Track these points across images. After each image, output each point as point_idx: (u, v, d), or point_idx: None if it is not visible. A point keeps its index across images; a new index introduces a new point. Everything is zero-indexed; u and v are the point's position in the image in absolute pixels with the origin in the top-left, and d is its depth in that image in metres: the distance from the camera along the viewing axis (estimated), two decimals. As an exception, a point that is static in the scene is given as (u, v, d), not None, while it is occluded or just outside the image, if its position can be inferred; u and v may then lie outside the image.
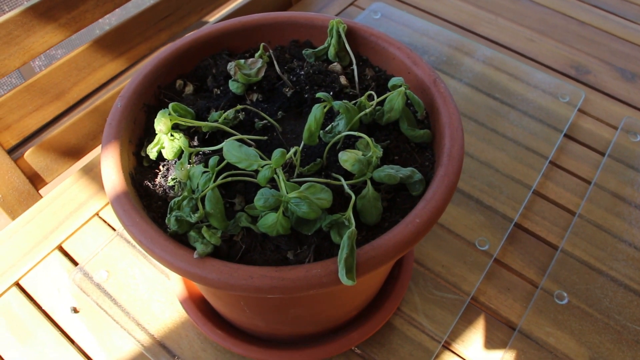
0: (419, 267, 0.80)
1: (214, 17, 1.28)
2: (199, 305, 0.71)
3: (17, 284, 0.78)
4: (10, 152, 0.89)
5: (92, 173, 0.90)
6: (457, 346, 0.74)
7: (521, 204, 0.88)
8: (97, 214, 0.86)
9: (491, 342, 0.74)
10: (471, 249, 0.82)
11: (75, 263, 0.80)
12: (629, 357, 0.73)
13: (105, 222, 0.85)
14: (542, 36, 1.17)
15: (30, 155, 0.90)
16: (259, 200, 0.47)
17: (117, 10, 0.96)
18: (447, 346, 0.74)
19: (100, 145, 0.83)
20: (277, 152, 0.47)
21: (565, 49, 1.15)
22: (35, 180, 0.92)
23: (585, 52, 1.14)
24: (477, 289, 0.78)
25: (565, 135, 0.98)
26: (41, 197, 0.91)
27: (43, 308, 0.76)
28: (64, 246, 0.82)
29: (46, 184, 0.94)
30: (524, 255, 0.82)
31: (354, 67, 0.63)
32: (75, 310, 0.76)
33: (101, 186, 0.88)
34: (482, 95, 1.03)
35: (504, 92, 1.04)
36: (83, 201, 0.87)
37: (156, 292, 0.77)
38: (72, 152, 0.96)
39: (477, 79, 1.06)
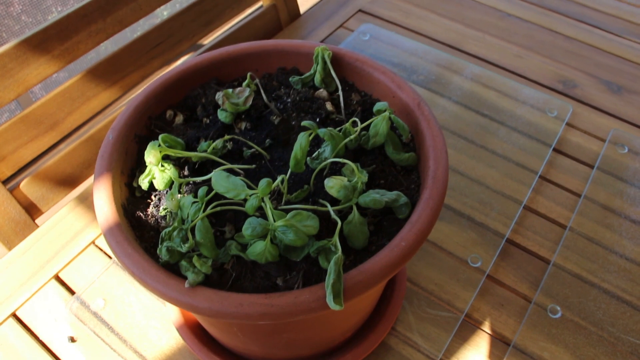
0: (412, 286, 0.81)
1: (206, 41, 1.30)
2: (194, 331, 0.72)
3: (14, 315, 0.79)
4: (6, 182, 0.90)
5: (88, 202, 0.91)
6: (452, 364, 0.74)
7: (512, 220, 0.89)
8: (93, 242, 0.86)
9: (486, 358, 0.75)
10: (464, 266, 0.83)
11: (72, 292, 0.81)
12: (622, 370, 0.74)
13: (101, 250, 0.86)
14: (529, 52, 1.19)
15: (25, 185, 0.91)
16: (247, 229, 0.48)
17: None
18: (442, 364, 0.74)
19: (94, 174, 0.84)
20: (263, 182, 0.48)
21: (552, 64, 1.16)
22: (31, 210, 0.93)
23: (572, 67, 1.16)
24: (470, 305, 0.79)
25: (554, 150, 1.00)
26: (37, 226, 0.92)
27: (40, 338, 0.77)
28: (61, 275, 0.83)
29: (42, 213, 0.95)
30: (517, 271, 0.83)
31: (340, 92, 0.64)
32: (72, 340, 0.76)
33: (97, 214, 0.89)
34: (471, 112, 1.04)
35: (492, 109, 1.05)
36: (79, 230, 0.88)
37: (153, 319, 0.78)
38: (67, 181, 0.97)
39: (466, 96, 1.07)
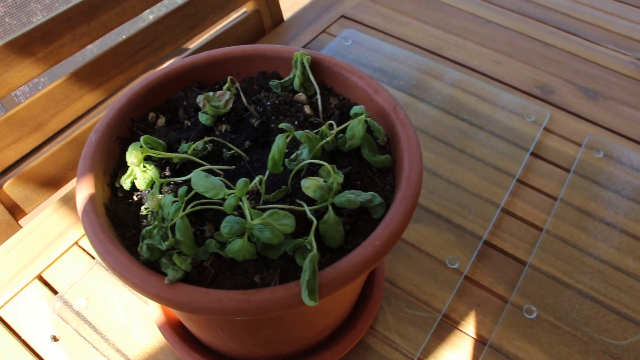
0: (391, 286, 0.82)
1: (190, 45, 1.31)
2: (176, 330, 0.73)
3: (-3, 315, 0.80)
4: (-11, 184, 0.91)
5: (71, 203, 0.92)
6: (429, 362, 0.76)
7: (490, 222, 0.90)
8: (77, 243, 0.87)
9: (463, 357, 0.76)
10: (442, 268, 0.85)
11: (55, 292, 0.82)
12: (594, 368, 0.76)
13: (84, 250, 0.87)
14: (509, 58, 1.21)
15: (9, 186, 0.92)
16: (225, 227, 0.49)
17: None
18: (419, 363, 0.76)
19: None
20: (240, 182, 0.50)
21: (531, 70, 1.19)
22: (15, 211, 0.93)
23: (550, 73, 1.18)
24: (448, 306, 0.81)
25: (532, 154, 1.02)
26: (21, 227, 0.92)
27: (23, 338, 0.77)
28: (44, 275, 0.84)
29: (26, 214, 0.95)
30: (494, 272, 0.85)
31: (318, 96, 0.66)
32: (55, 339, 0.77)
33: (80, 215, 0.89)
34: (451, 117, 1.06)
35: (472, 114, 1.07)
36: (62, 230, 0.88)
37: (135, 318, 0.79)
38: (51, 182, 0.97)
39: (446, 101, 1.09)
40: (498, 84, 1.15)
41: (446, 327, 0.79)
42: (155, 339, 0.77)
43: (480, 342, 0.78)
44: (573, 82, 1.16)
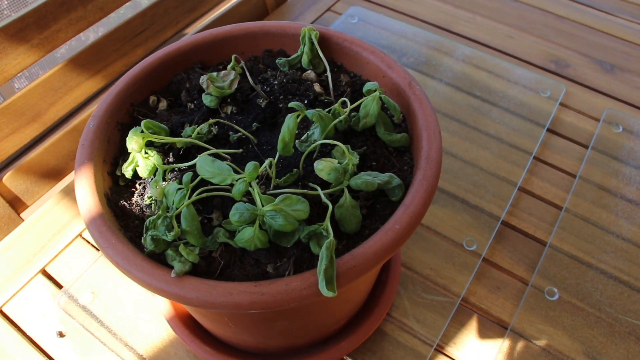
0: (407, 270, 0.79)
1: (191, 29, 1.28)
2: (186, 323, 0.70)
3: (0, 311, 0.77)
4: (-12, 176, 0.88)
5: (73, 194, 0.88)
6: (450, 349, 0.73)
7: (507, 202, 0.87)
8: (80, 235, 0.84)
9: (484, 343, 0.73)
10: (459, 250, 0.82)
11: (60, 286, 0.79)
12: (622, 349, 0.72)
13: (88, 242, 0.84)
14: (521, 32, 1.17)
15: (9, 179, 0.89)
16: (234, 215, 0.46)
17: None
18: (439, 349, 0.73)
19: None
20: (249, 166, 0.47)
21: (544, 43, 1.15)
22: (16, 204, 0.90)
23: (564, 46, 1.14)
24: (467, 289, 0.78)
25: (548, 130, 0.98)
26: (23, 220, 0.90)
27: (28, 334, 0.75)
28: (48, 269, 0.81)
29: (27, 207, 0.93)
30: (513, 253, 0.82)
31: (328, 73, 0.62)
32: (61, 335, 0.74)
33: (83, 206, 0.87)
34: (463, 94, 1.03)
35: (484, 90, 1.03)
36: (65, 222, 0.86)
37: (143, 311, 0.76)
38: (52, 173, 0.94)
39: (457, 78, 1.05)
40: (511, 58, 1.11)
41: (465, 311, 0.76)
42: (164, 332, 0.74)
43: (501, 327, 0.75)
44: (588, 55, 1.12)
